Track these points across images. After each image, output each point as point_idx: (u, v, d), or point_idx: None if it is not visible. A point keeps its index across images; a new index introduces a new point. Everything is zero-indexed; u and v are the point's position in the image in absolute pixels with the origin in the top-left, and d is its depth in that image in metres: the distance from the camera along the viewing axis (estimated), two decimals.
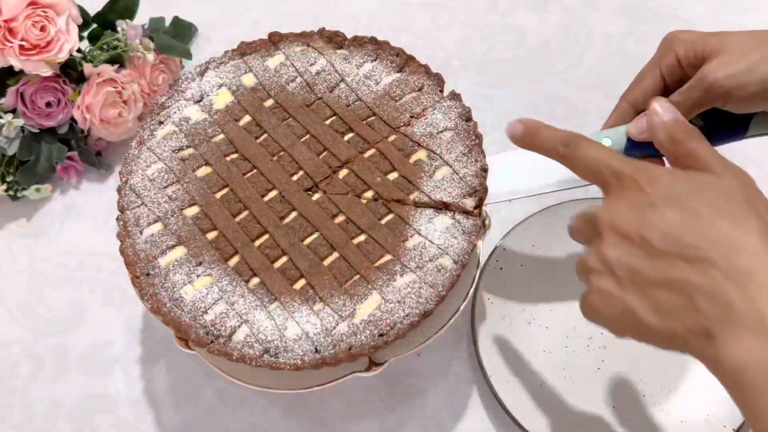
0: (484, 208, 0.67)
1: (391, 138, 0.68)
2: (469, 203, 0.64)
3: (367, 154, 0.68)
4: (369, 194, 0.66)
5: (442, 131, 0.68)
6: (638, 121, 0.61)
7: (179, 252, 0.64)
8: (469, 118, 0.69)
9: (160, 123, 0.71)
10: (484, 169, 0.65)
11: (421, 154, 0.67)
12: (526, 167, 0.66)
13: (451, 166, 0.66)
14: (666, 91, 0.63)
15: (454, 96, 0.70)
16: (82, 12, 0.89)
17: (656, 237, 0.45)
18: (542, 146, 0.56)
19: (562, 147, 0.53)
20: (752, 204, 0.45)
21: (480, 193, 0.64)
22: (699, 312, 0.43)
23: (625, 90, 0.65)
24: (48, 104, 0.85)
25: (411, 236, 0.63)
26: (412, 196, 0.65)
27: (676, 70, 0.62)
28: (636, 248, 0.45)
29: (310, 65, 0.73)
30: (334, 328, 0.59)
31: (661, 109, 0.52)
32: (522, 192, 0.66)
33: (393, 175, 0.66)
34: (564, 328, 0.74)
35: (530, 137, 0.56)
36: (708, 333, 0.43)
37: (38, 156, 0.87)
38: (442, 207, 0.64)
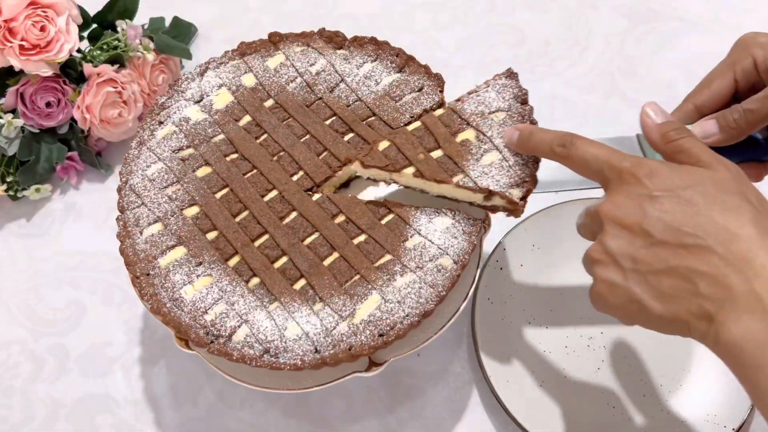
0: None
1: (438, 112, 0.64)
2: (516, 194, 0.60)
3: (411, 127, 0.64)
4: (409, 170, 0.62)
5: (494, 111, 0.63)
6: (704, 124, 0.59)
7: (179, 252, 0.64)
8: (524, 101, 0.64)
9: (160, 123, 0.71)
10: (537, 160, 0.61)
11: (469, 134, 0.63)
12: None
13: (501, 152, 0.61)
14: (737, 95, 0.59)
15: (511, 75, 0.65)
16: (82, 12, 0.89)
17: (656, 227, 0.47)
18: (538, 149, 0.58)
19: (558, 147, 0.55)
20: (744, 194, 0.48)
21: (529, 184, 0.61)
22: (701, 296, 0.46)
23: (690, 91, 0.61)
24: (48, 104, 0.85)
25: (411, 236, 0.63)
26: (455, 179, 0.61)
27: (751, 75, 0.58)
28: (637, 238, 0.48)
29: (310, 65, 0.73)
30: (334, 328, 0.60)
31: (653, 112, 0.56)
32: (569, 183, 0.63)
33: (437, 153, 0.62)
34: (564, 328, 0.74)
35: (525, 141, 0.59)
36: (709, 316, 0.45)
37: (38, 156, 0.87)
38: (487, 194, 0.61)
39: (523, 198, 0.61)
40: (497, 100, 0.64)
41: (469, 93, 0.65)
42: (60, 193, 0.91)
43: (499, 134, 0.62)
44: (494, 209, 0.63)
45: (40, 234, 0.88)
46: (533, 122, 0.63)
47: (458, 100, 0.64)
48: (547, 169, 0.61)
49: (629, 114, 0.91)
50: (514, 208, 0.62)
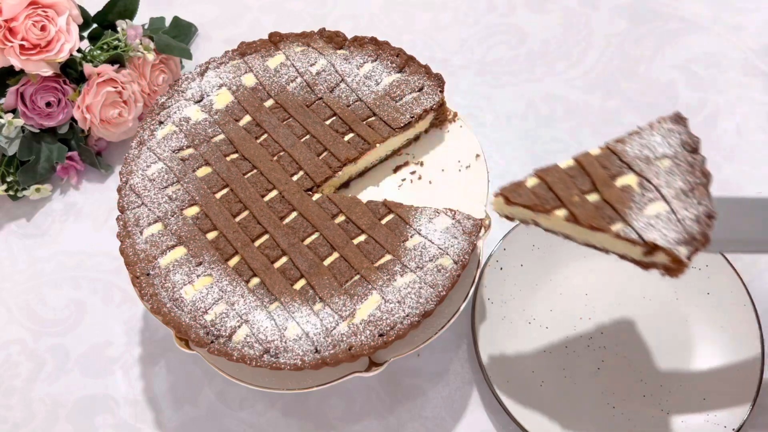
0: (484, 209, 0.67)
1: (595, 152, 0.58)
2: (683, 252, 0.53)
3: (564, 165, 0.57)
4: (561, 213, 0.55)
5: (660, 158, 0.57)
6: None
7: (179, 252, 0.64)
8: (695, 150, 0.57)
9: (160, 123, 0.71)
10: (710, 216, 0.54)
11: (630, 179, 0.56)
12: (761, 214, 0.55)
13: (668, 203, 0.54)
14: None
15: (679, 119, 0.59)
16: (83, 12, 0.89)
17: None
18: None
19: None
20: None
21: (698, 243, 0.53)
22: None
23: None
24: (48, 104, 0.85)
25: (411, 236, 0.63)
26: (615, 227, 0.54)
27: None
28: None
29: (311, 65, 0.73)
30: (334, 328, 0.60)
31: None
32: (748, 245, 0.54)
33: (592, 197, 0.56)
34: (564, 328, 0.74)
35: None
36: None
37: (38, 156, 0.87)
38: (651, 249, 0.54)
39: (690, 257, 0.53)
40: (663, 145, 0.57)
41: (630, 134, 0.58)
42: (60, 193, 0.91)
43: (667, 183, 0.55)
44: (649, 266, 0.56)
45: (40, 234, 0.88)
46: (705, 173, 0.56)
47: (618, 140, 0.58)
48: (721, 226, 0.54)
49: (629, 114, 0.91)
50: (676, 267, 0.54)
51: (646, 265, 0.57)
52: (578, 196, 0.55)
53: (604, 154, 0.57)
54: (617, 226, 0.54)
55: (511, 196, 0.56)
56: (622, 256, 0.57)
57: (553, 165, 0.57)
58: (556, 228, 0.58)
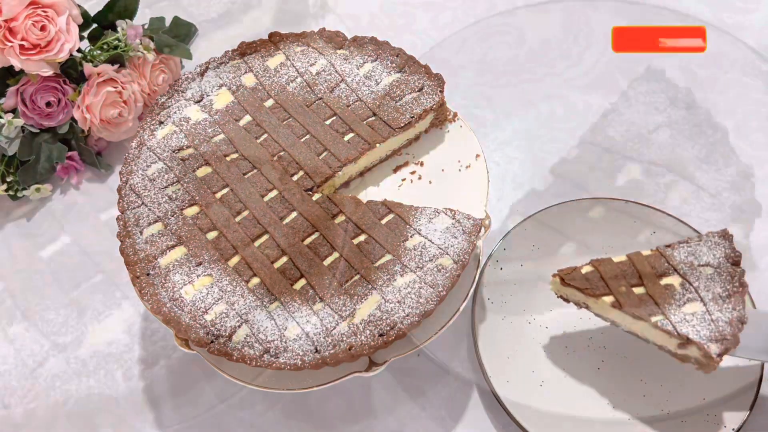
0: (484, 209, 0.67)
1: (646, 253, 0.66)
2: (714, 349, 0.60)
3: (616, 260, 0.66)
4: (608, 299, 0.64)
5: (703, 265, 0.65)
6: None
7: (179, 252, 0.64)
8: (737, 263, 0.65)
9: (160, 123, 0.71)
10: (742, 321, 0.61)
11: (674, 280, 0.64)
12: None
13: (705, 305, 0.62)
14: None
15: (725, 236, 0.66)
16: (83, 12, 0.89)
17: None
18: None
19: None
20: None
21: (729, 343, 0.60)
22: None
23: None
24: (48, 104, 0.85)
25: (411, 236, 0.63)
26: (654, 318, 0.62)
27: None
28: None
29: (311, 65, 0.73)
30: (335, 328, 0.60)
31: None
32: None
33: (638, 290, 0.64)
34: (564, 328, 0.74)
35: None
36: None
37: (38, 156, 0.87)
38: (684, 342, 0.61)
39: (720, 355, 0.59)
40: (708, 255, 0.65)
41: (680, 242, 0.66)
42: (60, 193, 0.91)
43: (706, 287, 0.63)
44: (683, 359, 0.63)
45: (40, 234, 0.88)
46: (743, 284, 0.63)
47: (668, 246, 0.66)
48: (755, 334, 0.60)
49: (629, 114, 0.91)
50: (707, 363, 0.61)
51: (681, 358, 0.64)
52: (625, 287, 0.63)
53: (654, 255, 0.65)
54: (656, 318, 0.61)
55: (566, 278, 0.65)
56: (660, 347, 0.65)
57: (607, 258, 0.65)
58: (603, 313, 0.66)
